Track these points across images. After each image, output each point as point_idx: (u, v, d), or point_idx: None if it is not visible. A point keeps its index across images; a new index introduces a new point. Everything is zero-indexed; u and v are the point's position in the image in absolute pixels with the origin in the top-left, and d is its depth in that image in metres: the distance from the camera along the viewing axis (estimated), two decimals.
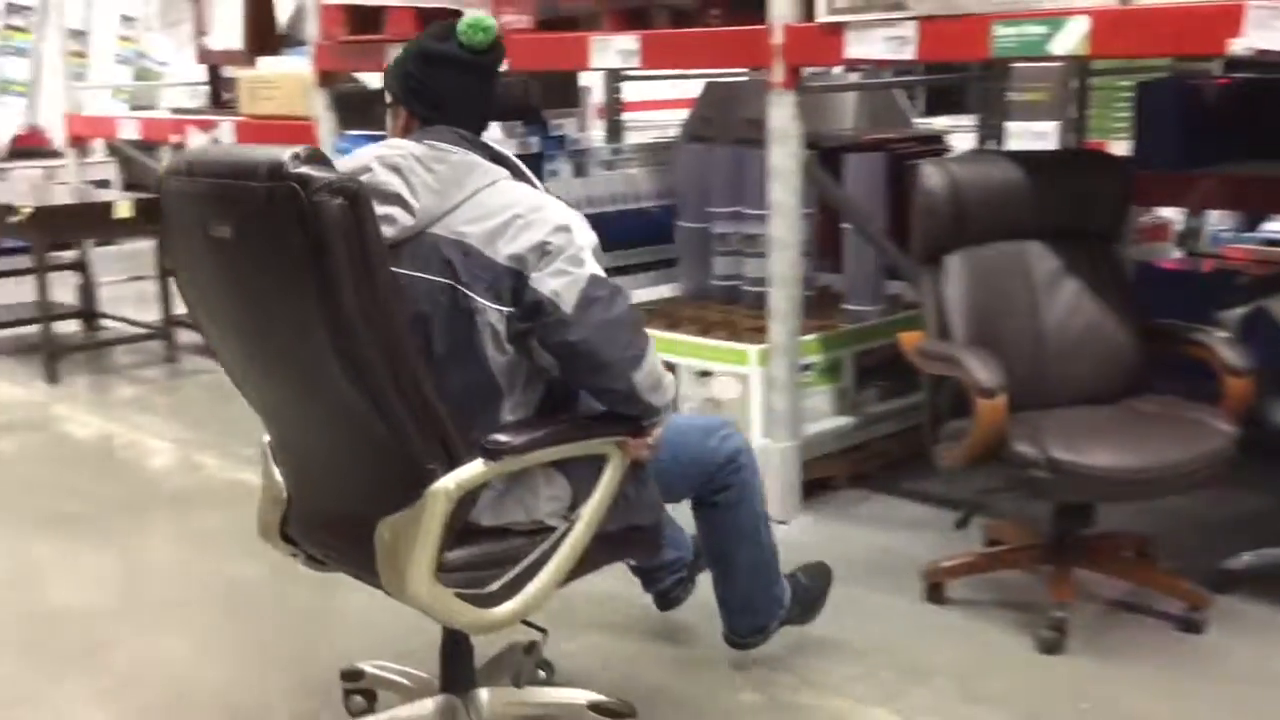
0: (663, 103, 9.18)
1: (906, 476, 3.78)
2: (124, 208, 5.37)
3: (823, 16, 3.26)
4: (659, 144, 5.13)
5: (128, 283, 6.62)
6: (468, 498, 1.98)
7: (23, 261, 5.80)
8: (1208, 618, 2.88)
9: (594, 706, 2.40)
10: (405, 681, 2.48)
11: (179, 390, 5.21)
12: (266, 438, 2.25)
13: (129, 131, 5.96)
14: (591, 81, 5.79)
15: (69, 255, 6.06)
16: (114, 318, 6.01)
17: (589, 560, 2.14)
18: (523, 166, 2.17)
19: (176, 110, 6.66)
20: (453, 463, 1.96)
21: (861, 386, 3.87)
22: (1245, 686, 2.66)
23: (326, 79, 4.69)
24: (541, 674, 2.65)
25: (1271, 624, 2.92)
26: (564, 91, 4.93)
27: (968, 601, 3.03)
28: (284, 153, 1.80)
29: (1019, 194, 3.05)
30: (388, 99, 2.24)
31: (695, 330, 3.89)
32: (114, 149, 7.91)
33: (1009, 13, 2.95)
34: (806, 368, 3.67)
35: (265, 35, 5.52)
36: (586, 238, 2.06)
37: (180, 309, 5.65)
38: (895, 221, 3.89)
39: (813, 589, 2.82)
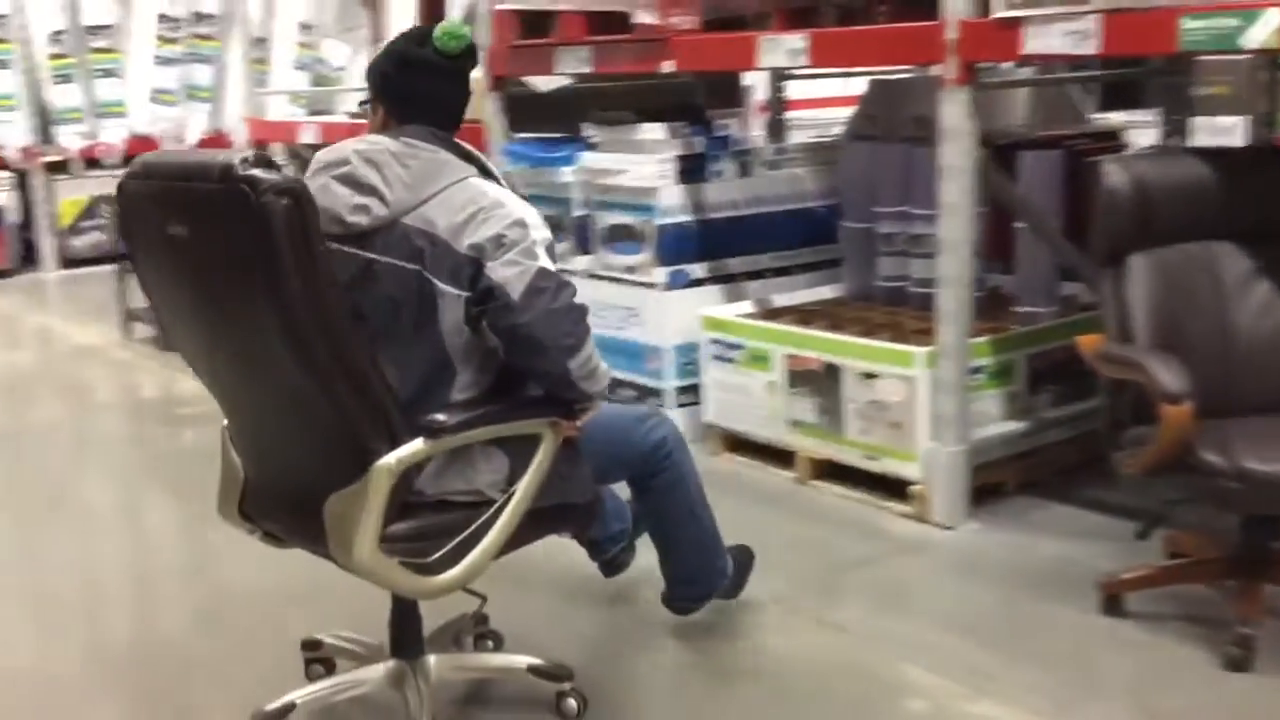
0: (823, 100, 9.11)
1: (1081, 484, 3.66)
2: None
3: (1000, 11, 3.19)
4: (823, 143, 5.09)
5: None
6: (410, 473, 2.13)
7: None
8: None
9: (532, 669, 2.56)
10: (359, 649, 2.63)
11: None
12: (225, 422, 2.38)
13: (308, 136, 6.19)
14: (754, 80, 5.79)
15: None
16: None
17: (525, 533, 2.29)
18: (489, 164, 2.33)
19: (352, 114, 6.89)
20: (394, 441, 2.10)
21: (1034, 390, 3.77)
22: None
23: (498, 83, 4.78)
24: (489, 644, 2.79)
25: None
26: (728, 91, 4.95)
27: (1147, 615, 2.92)
28: (234, 156, 1.96)
29: (1208, 193, 2.92)
30: (367, 96, 2.40)
31: (859, 332, 3.85)
32: (293, 153, 8.23)
33: (1198, 5, 2.84)
34: (976, 371, 3.60)
35: None
36: (541, 234, 2.21)
37: None
38: (1071, 221, 3.78)
39: (742, 564, 2.97)
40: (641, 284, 4.35)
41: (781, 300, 4.34)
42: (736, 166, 4.53)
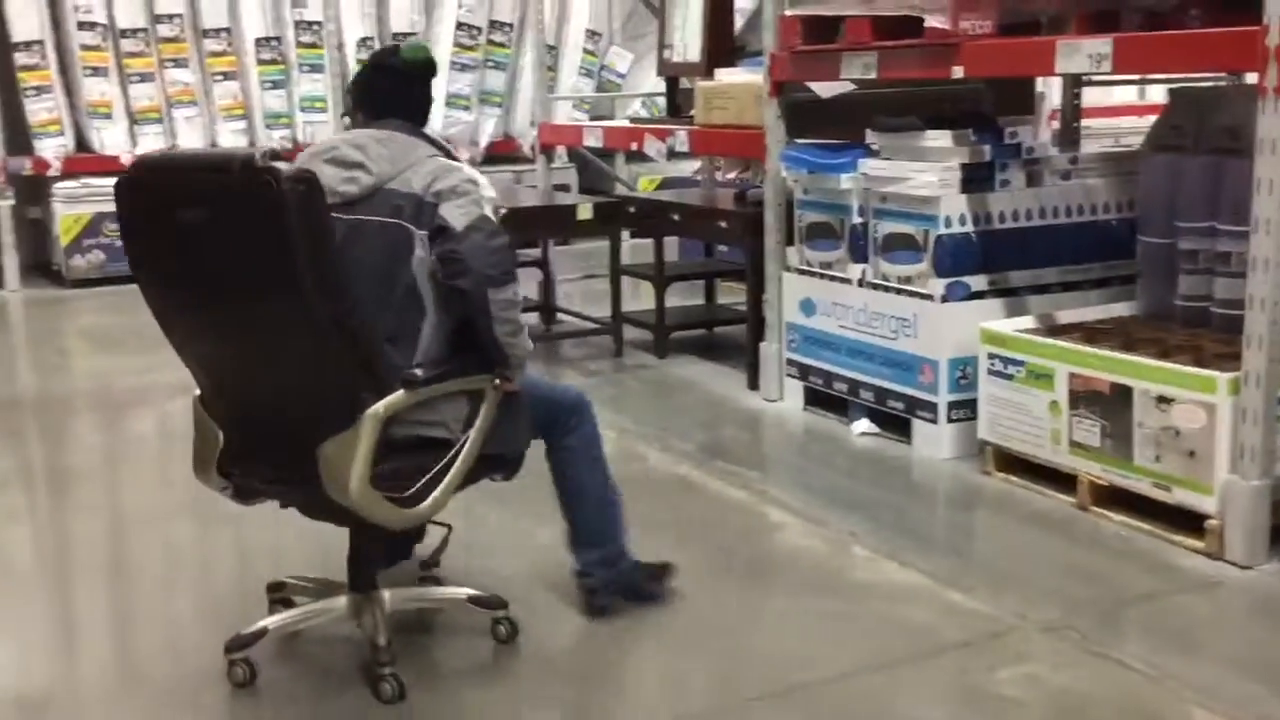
0: (1117, 109, 8.67)
1: None
2: (585, 210, 5.75)
3: None
4: (1120, 153, 4.84)
5: (581, 280, 7.11)
6: (390, 419, 2.53)
7: None
8: None
9: (472, 599, 2.96)
10: (319, 587, 2.99)
11: (623, 383, 5.51)
12: (197, 392, 2.72)
13: (593, 139, 6.37)
14: (1044, 87, 5.57)
15: (532, 253, 6.55)
16: (569, 312, 6.45)
17: (471, 474, 2.71)
18: (450, 148, 2.93)
19: (634, 120, 7.05)
20: (380, 392, 2.50)
21: None
22: None
23: (778, 89, 4.78)
24: (433, 583, 3.15)
25: None
26: (1020, 97, 4.78)
27: None
28: (254, 151, 2.36)
29: None
30: (349, 104, 3.04)
31: (1154, 353, 3.63)
32: (573, 155, 8.50)
33: None
34: None
35: (723, 48, 5.72)
36: (489, 194, 2.73)
37: (627, 306, 5.99)
38: None
39: (653, 570, 3.17)
40: (918, 294, 4.26)
41: (1067, 317, 4.15)
42: (1025, 176, 4.37)
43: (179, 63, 8.36)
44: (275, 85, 8.60)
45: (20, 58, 7.93)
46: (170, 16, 8.31)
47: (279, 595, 3.03)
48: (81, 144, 8.22)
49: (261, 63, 8.55)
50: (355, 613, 2.82)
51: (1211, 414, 3.31)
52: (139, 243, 2.60)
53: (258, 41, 8.52)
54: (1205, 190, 3.83)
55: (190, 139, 8.39)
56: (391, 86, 2.89)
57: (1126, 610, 3.09)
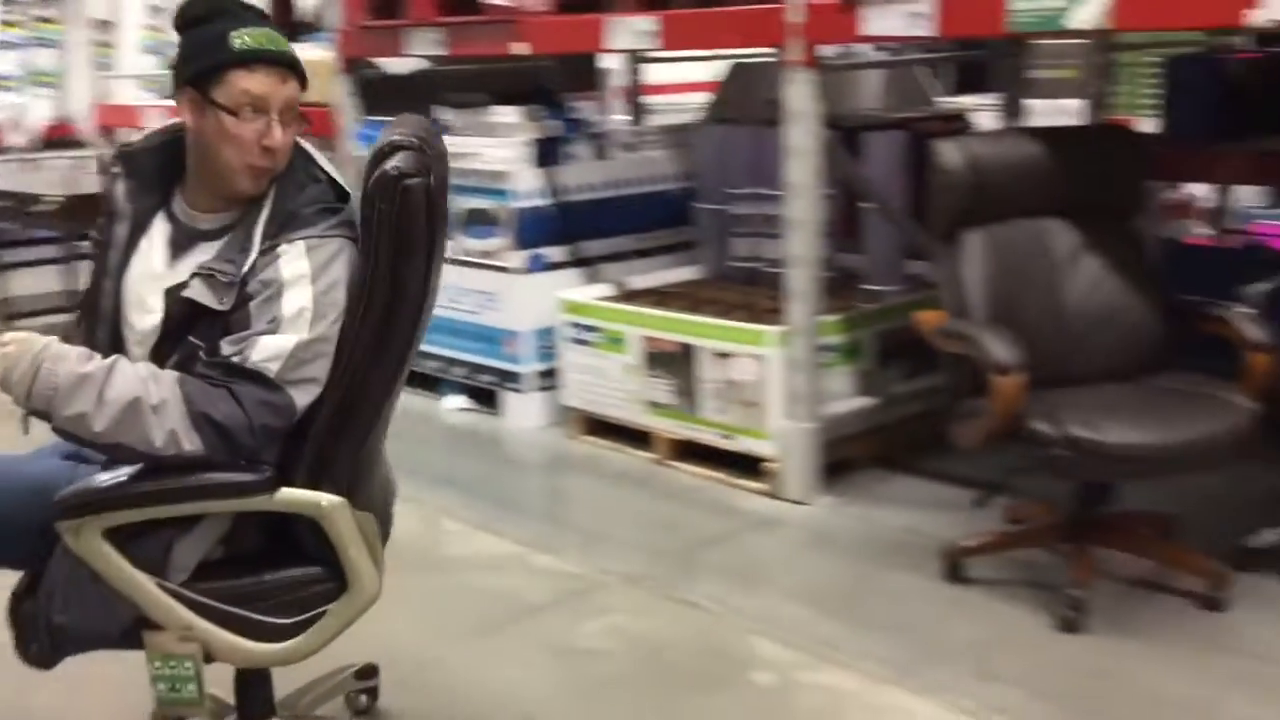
0: (688, 86, 9.16)
1: (930, 456, 3.75)
2: None
3: None
4: (680, 126, 5.11)
5: None
6: None
7: (52, 251, 5.88)
8: (1229, 596, 2.85)
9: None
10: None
11: None
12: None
13: (157, 121, 5.98)
14: (614, 64, 5.79)
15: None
16: None
17: None
18: None
19: None
20: None
21: (883, 367, 3.85)
22: (1266, 664, 2.64)
23: (349, 65, 4.69)
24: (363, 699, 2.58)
25: None
26: (584, 74, 4.94)
27: (987, 580, 3.01)
28: None
29: (1037, 170, 3.02)
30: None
31: (715, 312, 3.89)
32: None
33: None
34: (827, 349, 3.66)
35: (285, 22, 5.53)
36: None
37: None
38: (916, 201, 3.87)
39: None
40: (499, 268, 4.32)
41: (639, 282, 4.35)
42: (592, 149, 4.53)
43: None
44: None
45: None
46: None
47: None
48: None
49: None
50: None
51: (764, 365, 3.59)
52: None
53: None
54: (751, 159, 4.13)
55: None
56: None
57: (699, 554, 3.30)
